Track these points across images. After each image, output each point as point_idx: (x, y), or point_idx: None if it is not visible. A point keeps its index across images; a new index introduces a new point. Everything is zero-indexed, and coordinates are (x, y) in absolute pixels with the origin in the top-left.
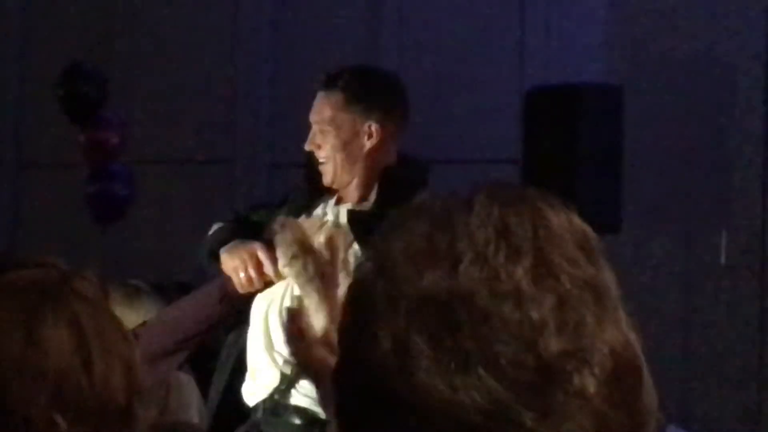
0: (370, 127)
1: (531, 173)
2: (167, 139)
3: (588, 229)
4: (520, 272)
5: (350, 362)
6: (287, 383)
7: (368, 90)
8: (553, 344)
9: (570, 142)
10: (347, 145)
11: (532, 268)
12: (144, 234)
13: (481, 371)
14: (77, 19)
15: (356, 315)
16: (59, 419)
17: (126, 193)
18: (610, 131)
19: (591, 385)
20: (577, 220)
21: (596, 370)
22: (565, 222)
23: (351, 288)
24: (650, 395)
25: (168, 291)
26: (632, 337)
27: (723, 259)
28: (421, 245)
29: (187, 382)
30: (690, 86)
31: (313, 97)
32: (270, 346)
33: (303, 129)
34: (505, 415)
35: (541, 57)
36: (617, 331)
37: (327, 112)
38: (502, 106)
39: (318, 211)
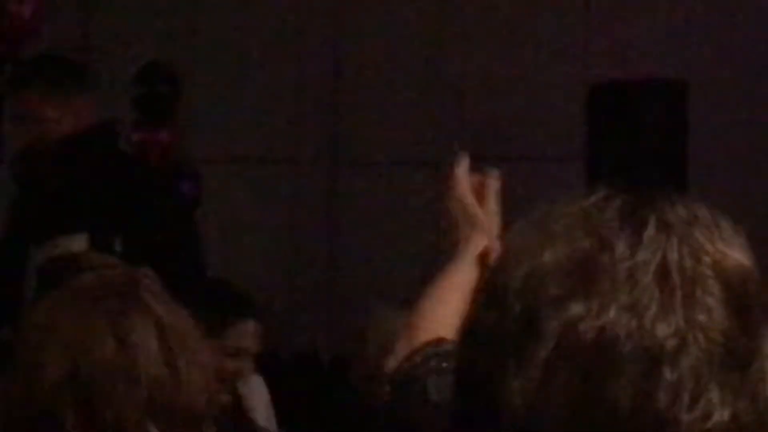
0: None
1: (594, 170)
2: (233, 139)
3: (750, 274)
4: (666, 331)
5: (477, 391)
6: None
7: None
8: (680, 414)
9: (634, 138)
10: None
11: (677, 328)
12: (208, 234)
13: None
14: (145, 17)
15: (487, 330)
16: (152, 427)
17: (192, 192)
18: (675, 127)
19: None
20: (741, 263)
21: None
22: (728, 267)
23: (484, 287)
24: None
25: None
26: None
27: None
28: (577, 261)
29: (257, 384)
30: (754, 81)
31: (381, 92)
32: None
33: (370, 128)
34: None
35: (606, 52)
36: (750, 404)
37: None
38: (565, 102)
39: None
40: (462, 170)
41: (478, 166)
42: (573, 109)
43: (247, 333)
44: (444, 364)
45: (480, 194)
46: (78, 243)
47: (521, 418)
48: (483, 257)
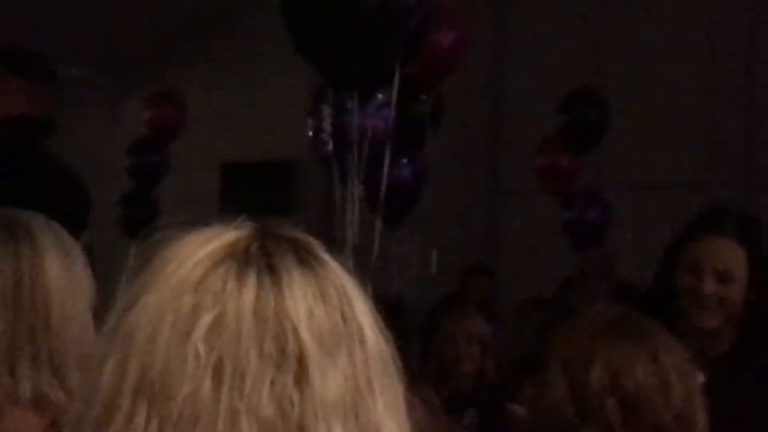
0: None
1: None
2: (643, 164)
3: None
4: None
5: None
6: None
7: None
8: None
9: None
10: None
11: None
12: (619, 260)
13: None
14: (556, 44)
15: None
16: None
17: (601, 219)
18: None
19: None
20: None
21: None
22: None
23: None
24: None
25: None
26: None
27: None
28: None
29: None
30: None
31: None
32: None
33: None
34: None
35: None
36: None
37: None
38: None
39: None
40: None
41: None
42: None
43: None
44: None
45: None
46: None
47: None
48: None
